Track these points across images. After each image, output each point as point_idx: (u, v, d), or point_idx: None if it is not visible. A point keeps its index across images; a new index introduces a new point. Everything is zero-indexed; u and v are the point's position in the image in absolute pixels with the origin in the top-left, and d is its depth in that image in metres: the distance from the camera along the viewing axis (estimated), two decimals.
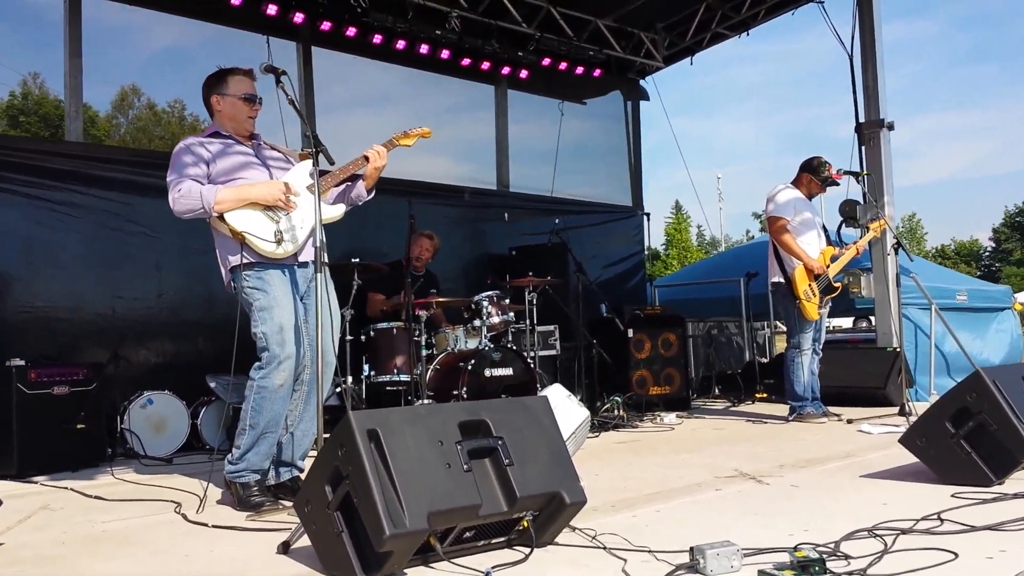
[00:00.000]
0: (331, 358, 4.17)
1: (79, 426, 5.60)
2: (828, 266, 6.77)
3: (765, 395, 8.52)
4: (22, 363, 5.52)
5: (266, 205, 3.99)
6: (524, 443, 3.17)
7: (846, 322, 20.46)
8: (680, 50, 10.66)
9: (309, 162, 4.13)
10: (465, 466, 2.98)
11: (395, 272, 7.24)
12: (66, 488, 4.82)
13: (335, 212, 4.24)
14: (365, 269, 6.60)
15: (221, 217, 3.96)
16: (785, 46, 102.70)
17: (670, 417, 7.23)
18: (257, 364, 4.02)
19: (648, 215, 10.89)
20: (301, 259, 4.14)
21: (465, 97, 9.64)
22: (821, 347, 6.94)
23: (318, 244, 3.78)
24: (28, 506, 4.31)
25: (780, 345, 11.84)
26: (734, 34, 10.39)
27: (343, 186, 4.33)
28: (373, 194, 4.40)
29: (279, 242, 3.97)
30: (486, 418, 3.16)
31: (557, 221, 7.78)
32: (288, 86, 3.95)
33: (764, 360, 9.48)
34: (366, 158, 4.21)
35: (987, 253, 57.57)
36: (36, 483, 5.08)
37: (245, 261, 3.98)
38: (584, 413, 3.87)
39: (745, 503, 3.84)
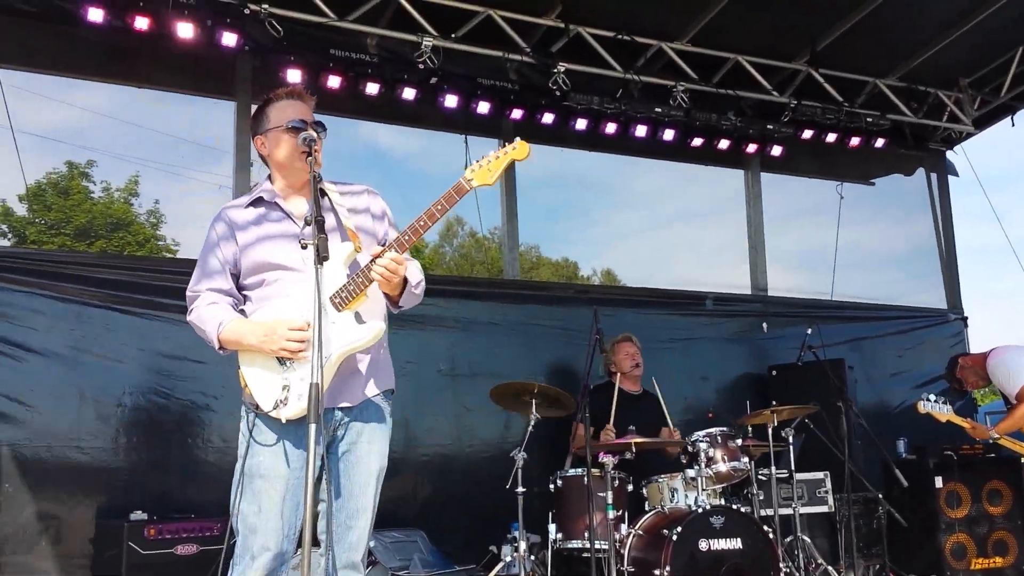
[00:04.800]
0: (355, 556, 2.78)
1: None
2: None
3: None
4: (143, 517, 4.85)
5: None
6: None
7: None
8: (995, 108, 8.33)
9: (347, 247, 2.81)
10: None
11: (606, 396, 5.76)
12: None
13: (366, 334, 2.77)
14: (544, 399, 5.17)
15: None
16: None
17: None
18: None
19: (966, 319, 8.39)
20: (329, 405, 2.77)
21: (702, 184, 8.05)
22: None
23: (316, 380, 2.40)
24: None
25: None
26: None
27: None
28: (418, 298, 2.93)
29: (276, 406, 2.70)
30: None
31: (809, 332, 5.84)
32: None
33: None
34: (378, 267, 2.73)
35: None
36: None
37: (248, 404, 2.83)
38: None
39: None
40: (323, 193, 2.85)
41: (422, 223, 2.73)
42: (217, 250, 2.89)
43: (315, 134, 2.77)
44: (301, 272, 2.76)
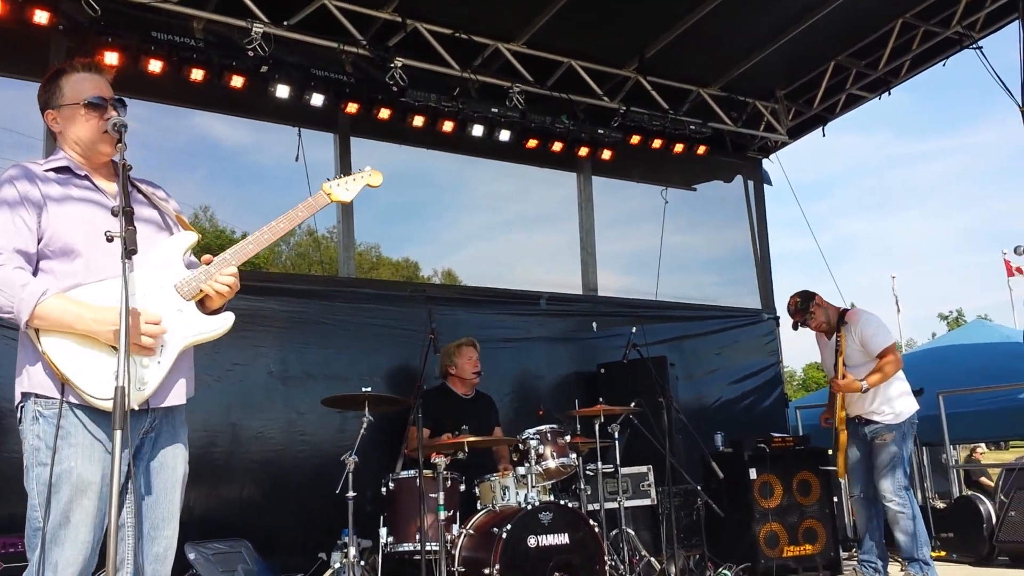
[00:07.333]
0: (164, 569, 2.61)
1: None
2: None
3: (943, 553, 6.26)
4: None
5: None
6: None
7: None
8: (808, 119, 8.91)
9: (191, 237, 2.74)
10: None
11: (441, 398, 5.75)
12: None
13: (220, 325, 2.68)
14: (378, 402, 5.09)
15: (37, 332, 2.46)
16: (967, 139, 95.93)
17: None
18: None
19: (778, 319, 8.90)
20: (144, 405, 2.55)
21: (541, 187, 8.16)
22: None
23: (120, 380, 2.20)
24: None
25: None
26: (873, 95, 8.55)
27: None
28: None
29: (117, 394, 2.33)
30: None
31: (634, 331, 6.04)
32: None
33: (940, 505, 7.16)
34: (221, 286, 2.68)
35: None
36: None
37: (41, 394, 2.47)
38: None
39: None
40: (133, 184, 2.69)
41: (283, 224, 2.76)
42: (20, 208, 2.52)
43: (124, 119, 2.55)
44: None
